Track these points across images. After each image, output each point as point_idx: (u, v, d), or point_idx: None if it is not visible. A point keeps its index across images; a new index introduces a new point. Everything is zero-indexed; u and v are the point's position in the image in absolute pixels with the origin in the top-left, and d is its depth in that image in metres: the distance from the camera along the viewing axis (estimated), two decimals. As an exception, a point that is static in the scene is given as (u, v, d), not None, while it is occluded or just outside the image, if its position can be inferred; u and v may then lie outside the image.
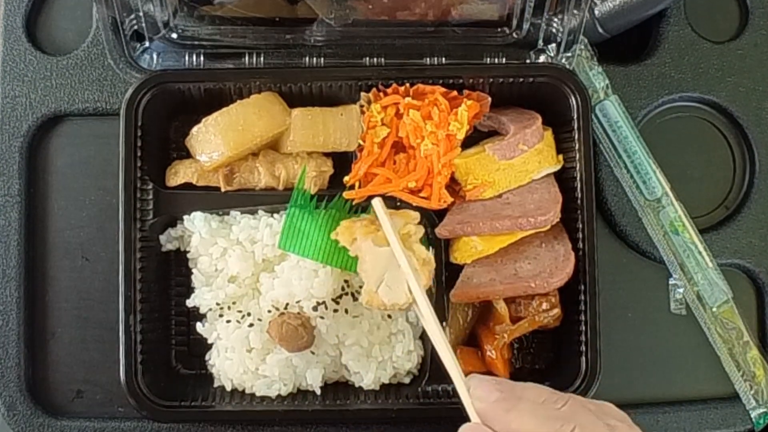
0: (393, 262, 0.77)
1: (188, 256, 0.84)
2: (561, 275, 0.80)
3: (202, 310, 0.82)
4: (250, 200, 0.83)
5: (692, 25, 0.89)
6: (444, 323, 0.81)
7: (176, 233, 0.83)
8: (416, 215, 0.79)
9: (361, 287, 0.78)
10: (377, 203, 0.78)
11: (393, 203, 0.82)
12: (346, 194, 0.82)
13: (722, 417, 0.85)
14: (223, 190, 0.82)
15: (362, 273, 0.77)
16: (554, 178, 0.84)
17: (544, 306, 0.81)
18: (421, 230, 0.79)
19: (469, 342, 0.84)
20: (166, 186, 0.83)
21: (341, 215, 0.82)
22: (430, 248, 0.82)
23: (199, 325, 0.82)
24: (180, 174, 0.83)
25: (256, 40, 0.83)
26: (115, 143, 0.81)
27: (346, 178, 0.83)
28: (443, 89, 0.82)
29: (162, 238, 0.83)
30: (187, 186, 0.83)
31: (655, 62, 0.89)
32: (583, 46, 0.86)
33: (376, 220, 0.79)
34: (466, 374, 0.81)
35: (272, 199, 0.82)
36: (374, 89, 0.82)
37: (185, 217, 0.82)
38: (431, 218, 0.82)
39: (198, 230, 0.82)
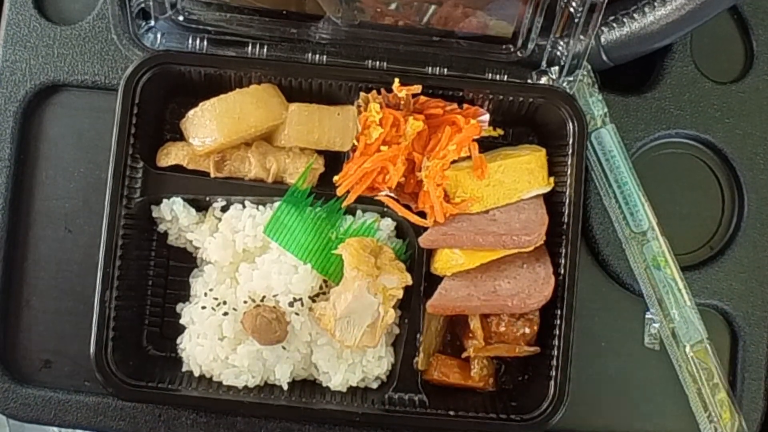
0: (369, 312, 0.78)
1: (169, 240, 0.84)
2: (539, 297, 0.80)
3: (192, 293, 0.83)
4: (237, 189, 0.83)
5: (696, 63, 0.89)
6: (419, 335, 0.81)
7: (158, 213, 0.83)
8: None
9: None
10: None
11: (380, 208, 0.83)
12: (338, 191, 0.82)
13: (684, 455, 0.85)
14: (212, 175, 0.82)
15: (336, 295, 0.79)
16: (543, 199, 0.84)
17: (526, 331, 0.82)
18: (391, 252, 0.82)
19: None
20: (156, 166, 0.83)
21: (330, 216, 0.82)
22: (411, 254, 0.83)
23: (179, 305, 0.83)
24: (171, 155, 0.83)
25: (261, 31, 0.82)
26: (110, 118, 0.81)
27: (335, 177, 0.83)
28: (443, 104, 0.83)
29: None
30: (177, 168, 0.83)
31: (656, 96, 0.89)
32: (585, 72, 0.86)
33: (380, 255, 0.80)
34: (440, 383, 0.82)
35: (260, 191, 0.82)
36: (374, 91, 0.82)
37: (164, 201, 0.82)
38: (416, 226, 0.82)
39: (177, 215, 0.82)
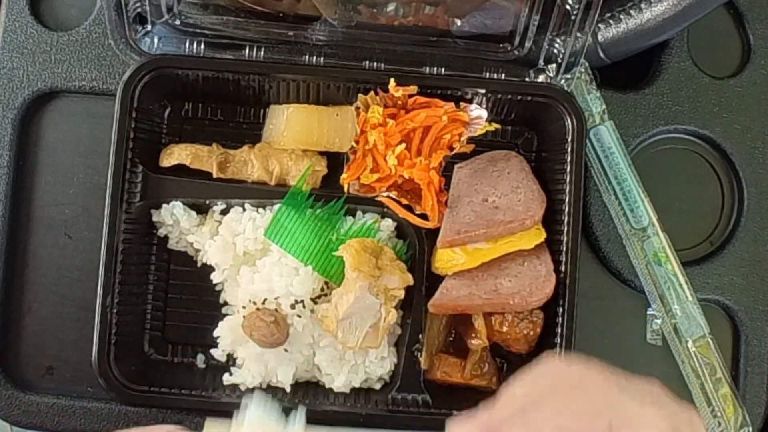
0: (371, 313, 0.78)
1: (169, 244, 0.84)
2: (540, 295, 0.80)
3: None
4: (238, 192, 0.83)
5: (694, 58, 0.89)
6: (421, 335, 0.81)
7: (158, 217, 0.83)
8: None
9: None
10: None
11: (380, 209, 0.83)
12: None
13: (688, 451, 0.85)
14: (215, 176, 0.82)
15: (338, 297, 0.79)
16: (543, 199, 0.84)
17: (529, 332, 0.81)
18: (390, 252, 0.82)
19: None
20: (157, 169, 0.83)
21: (331, 218, 0.82)
22: (412, 254, 0.83)
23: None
24: (174, 155, 0.83)
25: (258, 34, 0.82)
26: (108, 123, 0.80)
27: (343, 176, 0.82)
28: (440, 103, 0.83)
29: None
30: (179, 169, 0.83)
31: (654, 92, 0.89)
32: (583, 69, 0.86)
33: (381, 256, 0.80)
34: (443, 383, 0.82)
35: (262, 194, 0.82)
36: (372, 92, 0.82)
37: (164, 206, 0.82)
38: (416, 226, 0.82)
39: (178, 219, 0.82)
